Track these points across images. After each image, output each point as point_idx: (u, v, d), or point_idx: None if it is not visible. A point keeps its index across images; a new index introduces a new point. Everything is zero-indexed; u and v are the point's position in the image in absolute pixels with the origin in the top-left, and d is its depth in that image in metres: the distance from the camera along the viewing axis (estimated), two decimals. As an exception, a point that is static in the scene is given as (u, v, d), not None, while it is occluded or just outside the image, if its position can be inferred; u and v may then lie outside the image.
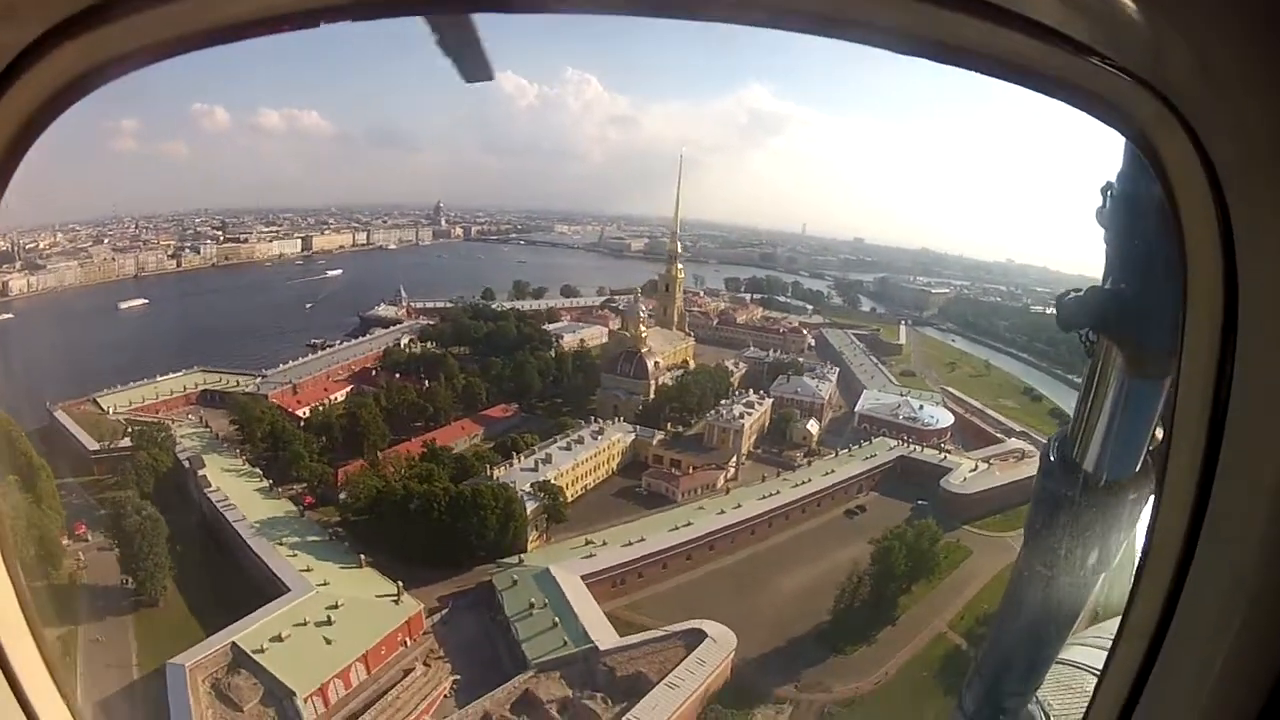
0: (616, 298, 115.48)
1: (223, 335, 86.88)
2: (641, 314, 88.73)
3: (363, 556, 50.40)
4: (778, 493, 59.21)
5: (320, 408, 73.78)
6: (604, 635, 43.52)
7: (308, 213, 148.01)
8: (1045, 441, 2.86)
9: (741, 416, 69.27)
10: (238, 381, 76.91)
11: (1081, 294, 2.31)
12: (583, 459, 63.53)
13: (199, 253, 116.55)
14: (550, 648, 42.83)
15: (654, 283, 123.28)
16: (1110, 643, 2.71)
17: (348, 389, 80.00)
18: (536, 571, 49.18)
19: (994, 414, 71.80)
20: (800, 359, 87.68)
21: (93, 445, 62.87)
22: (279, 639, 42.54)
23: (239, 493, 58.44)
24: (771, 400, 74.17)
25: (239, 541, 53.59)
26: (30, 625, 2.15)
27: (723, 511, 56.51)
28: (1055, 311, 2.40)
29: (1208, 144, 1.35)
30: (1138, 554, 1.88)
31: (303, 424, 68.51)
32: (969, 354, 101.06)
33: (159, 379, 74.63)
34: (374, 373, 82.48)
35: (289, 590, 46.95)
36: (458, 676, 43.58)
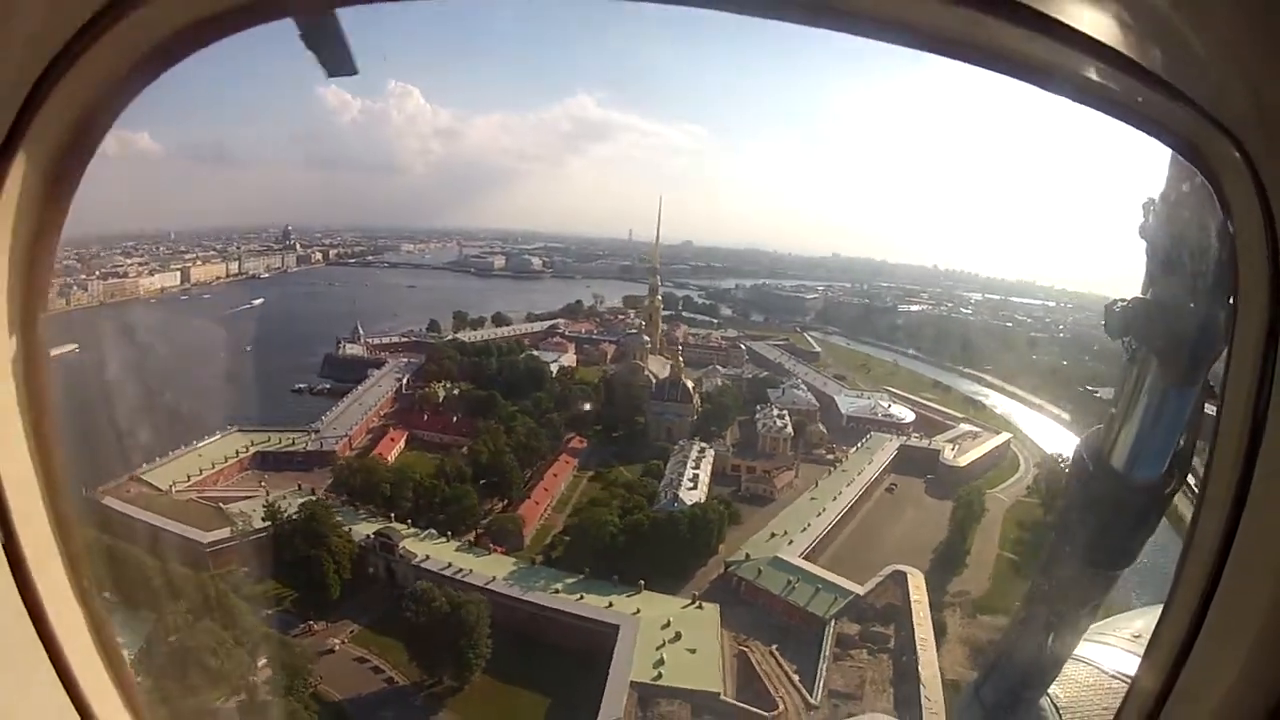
0: (559, 323, 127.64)
1: (197, 384, 74.06)
2: (646, 343, 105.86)
3: (641, 581, 60.29)
4: (853, 481, 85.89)
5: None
6: (853, 587, 64.19)
7: (153, 239, 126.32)
8: (1077, 442, 3.31)
9: (786, 426, 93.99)
10: (293, 439, 70.17)
11: (1128, 304, 2.68)
12: (707, 472, 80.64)
13: (86, 290, 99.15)
14: (828, 603, 61.83)
15: (575, 306, 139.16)
16: (1116, 638, 3.58)
17: (405, 436, 79.41)
18: (769, 560, 66.63)
19: (931, 405, 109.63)
20: (768, 373, 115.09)
21: (205, 537, 54.99)
22: (661, 663, 51.53)
23: (448, 556, 60.25)
24: (788, 411, 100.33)
25: (507, 602, 57.91)
26: (94, 626, 2.21)
27: (835, 498, 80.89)
28: (1104, 320, 2.76)
29: (1258, 163, 1.51)
30: (1158, 552, 2.13)
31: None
32: (874, 356, 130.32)
33: (196, 445, 64.20)
34: (425, 417, 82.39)
35: (616, 625, 55.14)
36: (774, 645, 59.04)
